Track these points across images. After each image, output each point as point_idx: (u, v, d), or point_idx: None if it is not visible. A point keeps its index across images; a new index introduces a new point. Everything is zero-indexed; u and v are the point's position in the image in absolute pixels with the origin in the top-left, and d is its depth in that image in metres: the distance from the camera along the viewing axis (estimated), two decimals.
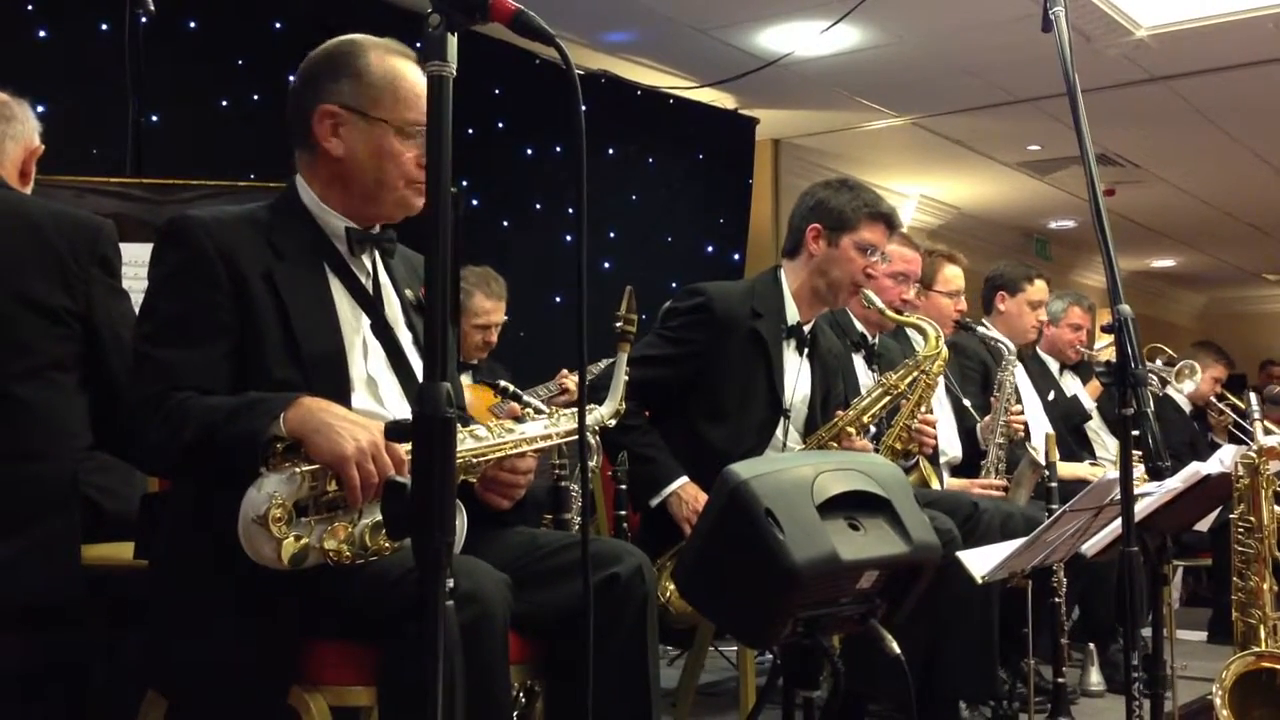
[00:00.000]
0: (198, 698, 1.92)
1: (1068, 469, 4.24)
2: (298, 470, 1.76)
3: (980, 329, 4.29)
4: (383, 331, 2.04)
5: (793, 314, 3.13)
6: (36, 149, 2.59)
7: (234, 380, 1.91)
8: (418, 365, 2.05)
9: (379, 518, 1.77)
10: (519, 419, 2.06)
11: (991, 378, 4.25)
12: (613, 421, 2.15)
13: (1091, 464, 4.79)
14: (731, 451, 2.83)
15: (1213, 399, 5.93)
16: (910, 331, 3.79)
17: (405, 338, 2.09)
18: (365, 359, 2.03)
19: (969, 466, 3.99)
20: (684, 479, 2.92)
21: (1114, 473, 2.29)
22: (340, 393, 1.95)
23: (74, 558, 2.34)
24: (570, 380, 4.37)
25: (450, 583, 1.34)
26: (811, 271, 3.14)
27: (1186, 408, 5.77)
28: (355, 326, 2.03)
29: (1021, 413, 4.06)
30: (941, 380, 3.98)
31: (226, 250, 1.93)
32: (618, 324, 2.16)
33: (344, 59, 2.05)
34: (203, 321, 1.91)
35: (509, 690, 1.90)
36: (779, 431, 3.06)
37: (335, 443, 1.76)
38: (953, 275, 4.18)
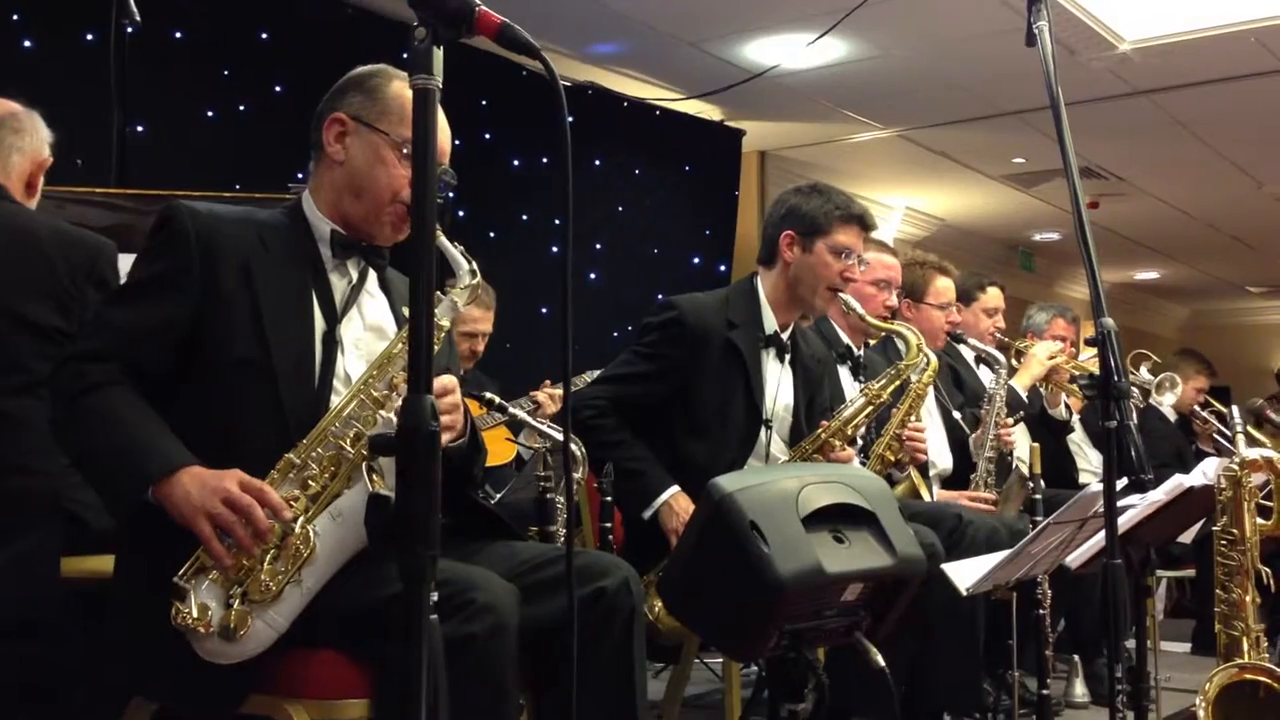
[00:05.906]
0: (162, 697, 1.93)
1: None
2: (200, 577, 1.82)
3: (973, 341, 4.28)
4: (330, 339, 2.04)
5: (770, 322, 3.11)
6: (44, 161, 2.61)
7: (179, 349, 1.95)
8: None
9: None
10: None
11: (963, 388, 4.25)
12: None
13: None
14: (714, 464, 2.81)
15: (1196, 408, 5.94)
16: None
17: (377, 349, 2.07)
18: (342, 356, 2.04)
19: (959, 479, 3.97)
20: (675, 488, 2.87)
21: (1097, 485, 2.30)
22: (304, 381, 1.97)
23: (53, 572, 2.34)
24: (541, 394, 4.35)
25: (435, 596, 1.34)
26: (788, 278, 3.12)
27: (1172, 417, 5.79)
28: (327, 326, 2.05)
29: (1010, 428, 4.06)
30: (931, 391, 3.99)
31: (206, 233, 1.98)
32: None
33: (365, 79, 2.14)
34: (159, 288, 1.96)
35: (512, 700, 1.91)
36: (762, 442, 3.04)
37: (188, 522, 1.80)
38: (944, 287, 4.10)
